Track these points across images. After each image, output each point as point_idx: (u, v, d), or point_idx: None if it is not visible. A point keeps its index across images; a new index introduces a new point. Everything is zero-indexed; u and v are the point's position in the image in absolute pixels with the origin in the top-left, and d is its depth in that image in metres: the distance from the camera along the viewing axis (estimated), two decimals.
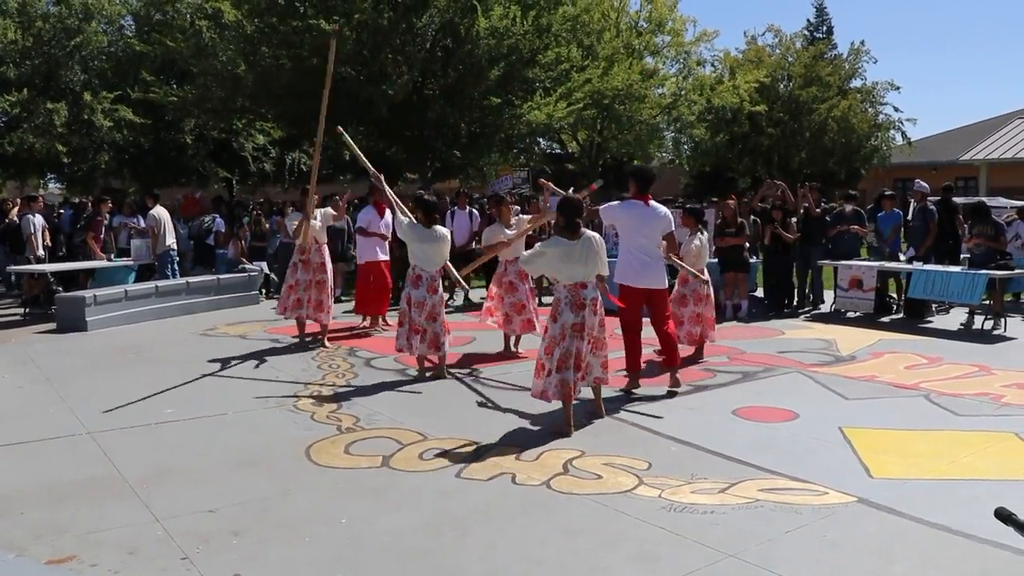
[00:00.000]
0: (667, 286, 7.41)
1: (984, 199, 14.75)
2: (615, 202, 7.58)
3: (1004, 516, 2.16)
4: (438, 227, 8.15)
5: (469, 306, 12.83)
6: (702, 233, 8.96)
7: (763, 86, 27.27)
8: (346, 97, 16.33)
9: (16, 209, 14.22)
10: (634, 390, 7.27)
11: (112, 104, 20.33)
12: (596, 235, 6.38)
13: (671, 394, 7.18)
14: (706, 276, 8.64)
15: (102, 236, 13.61)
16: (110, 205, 14.42)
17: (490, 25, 16.03)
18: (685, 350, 8.43)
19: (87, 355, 9.36)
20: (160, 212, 13.47)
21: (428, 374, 8.00)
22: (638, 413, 6.69)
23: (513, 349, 9.19)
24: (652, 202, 7.33)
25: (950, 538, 4.24)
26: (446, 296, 9.83)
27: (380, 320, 10.92)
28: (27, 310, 12.40)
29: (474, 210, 13.99)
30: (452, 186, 25.12)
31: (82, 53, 21.18)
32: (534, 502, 4.81)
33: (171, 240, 13.51)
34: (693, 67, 25.07)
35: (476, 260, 9.59)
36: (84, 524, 4.50)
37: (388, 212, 11.30)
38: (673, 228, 7.44)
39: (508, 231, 9.18)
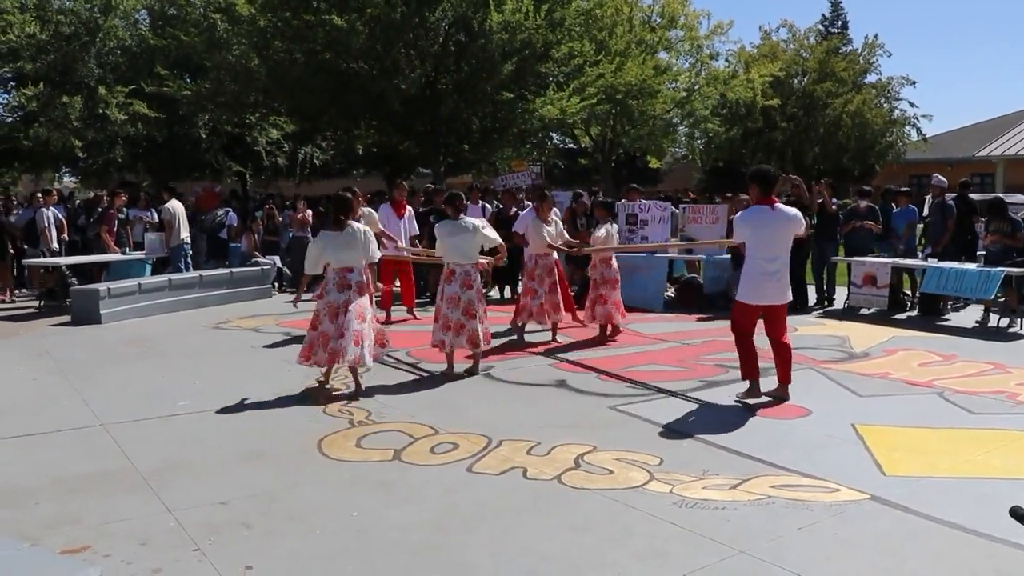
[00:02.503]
0: (789, 299, 6.98)
1: (1001, 195, 14.58)
2: (744, 212, 7.08)
3: (1019, 515, 2.15)
4: (467, 218, 8.00)
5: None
6: (612, 224, 9.84)
7: (777, 81, 27.16)
8: (359, 92, 16.37)
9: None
10: (750, 400, 6.79)
11: (126, 98, 20.41)
12: (361, 227, 7.38)
13: (778, 399, 6.81)
14: (615, 264, 9.71)
15: (115, 229, 13.67)
16: (124, 198, 14.48)
17: (503, 19, 16.01)
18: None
19: (101, 348, 9.41)
20: (175, 205, 13.54)
21: (463, 370, 7.90)
22: (651, 408, 6.68)
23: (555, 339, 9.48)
24: (778, 205, 6.91)
25: (963, 536, 4.21)
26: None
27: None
28: (42, 303, 12.48)
29: (487, 204, 13.97)
30: (465, 181, 25.13)
31: (99, 48, 21.25)
32: (545, 497, 4.80)
33: (185, 234, 13.58)
34: (706, 61, 24.98)
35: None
36: (97, 515, 4.53)
37: (408, 214, 11.39)
38: (803, 227, 7.07)
39: (548, 228, 9.37)
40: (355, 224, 7.36)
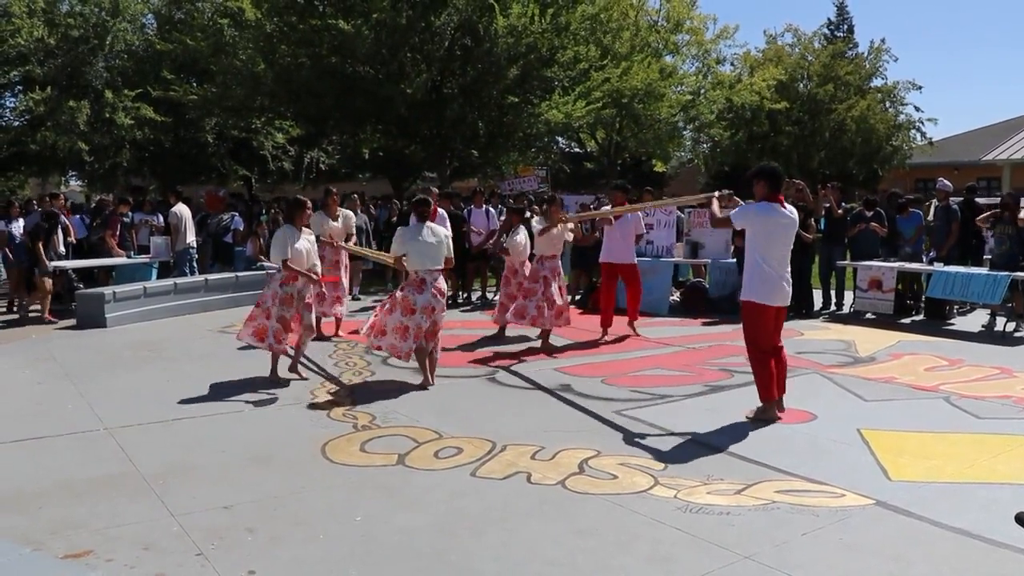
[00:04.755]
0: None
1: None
2: (748, 204, 6.60)
3: None
4: (431, 225, 7.82)
5: (485, 305, 12.83)
6: (526, 228, 9.86)
7: (782, 85, 27.13)
8: (364, 96, 16.39)
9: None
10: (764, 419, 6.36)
11: (133, 102, 20.48)
12: (282, 230, 7.89)
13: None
14: (527, 265, 9.68)
15: (117, 232, 13.68)
16: (129, 206, 14.49)
17: (508, 24, 16.03)
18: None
19: (106, 351, 9.43)
20: (182, 209, 13.59)
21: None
22: (655, 413, 6.66)
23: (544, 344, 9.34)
24: (787, 205, 6.51)
25: (969, 542, 4.18)
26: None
27: None
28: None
29: (491, 208, 13.96)
30: (471, 185, 25.16)
31: (106, 51, 21.32)
32: (549, 502, 4.79)
33: (191, 238, 13.64)
34: (713, 65, 24.98)
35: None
36: (100, 519, 4.53)
37: (438, 220, 11.16)
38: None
39: (555, 229, 9.36)
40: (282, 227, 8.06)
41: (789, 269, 6.55)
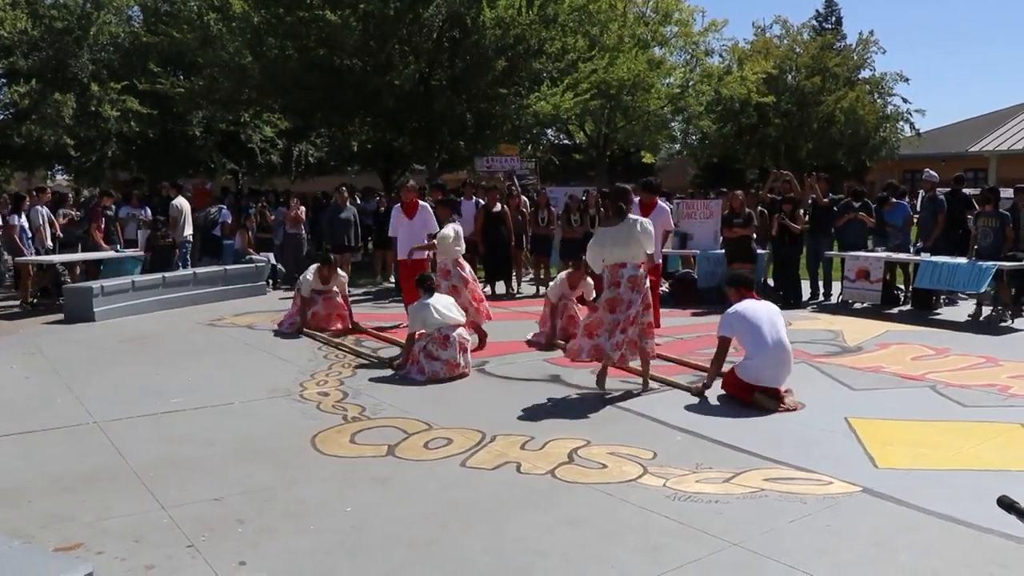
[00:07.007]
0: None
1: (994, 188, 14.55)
2: (732, 311, 6.87)
3: (1007, 505, 2.17)
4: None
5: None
6: (457, 224, 9.57)
7: (771, 77, 27.18)
8: (352, 88, 16.35)
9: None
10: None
11: (119, 95, 20.35)
12: (642, 220, 6.96)
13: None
14: (466, 264, 9.44)
15: (102, 226, 13.62)
16: (113, 199, 14.43)
17: (496, 15, 16.01)
18: None
19: (94, 345, 9.39)
20: (182, 202, 13.65)
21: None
22: (644, 403, 6.69)
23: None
24: (761, 298, 7.10)
25: (954, 528, 4.23)
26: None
27: None
28: (35, 301, 12.44)
29: (480, 200, 13.96)
30: (460, 177, 25.12)
31: (91, 43, 21.16)
32: (539, 491, 4.81)
33: (188, 231, 13.68)
34: (701, 57, 25.00)
35: None
36: (91, 512, 4.53)
37: (419, 214, 10.94)
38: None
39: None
40: (635, 217, 7.02)
41: (789, 348, 6.77)
